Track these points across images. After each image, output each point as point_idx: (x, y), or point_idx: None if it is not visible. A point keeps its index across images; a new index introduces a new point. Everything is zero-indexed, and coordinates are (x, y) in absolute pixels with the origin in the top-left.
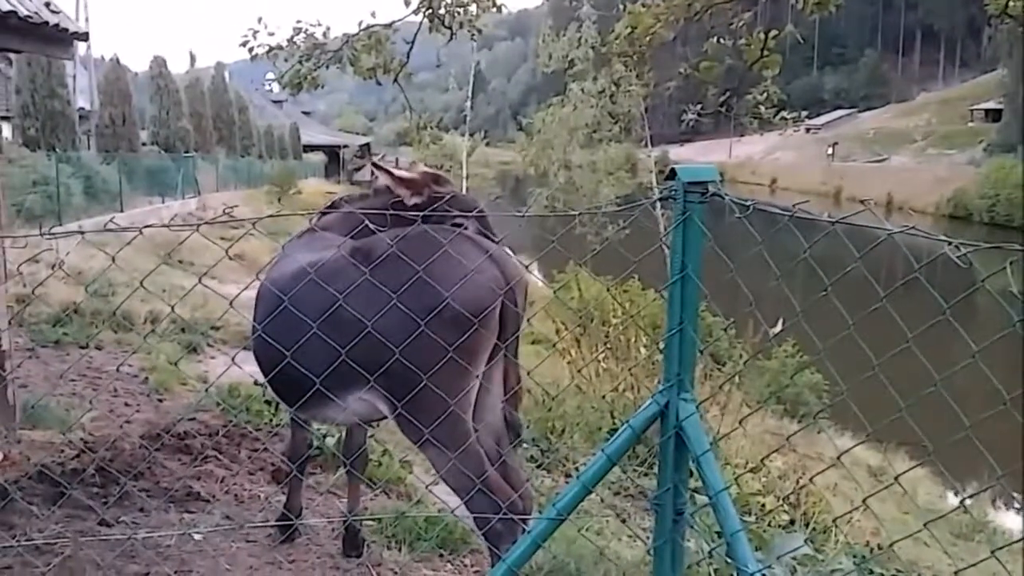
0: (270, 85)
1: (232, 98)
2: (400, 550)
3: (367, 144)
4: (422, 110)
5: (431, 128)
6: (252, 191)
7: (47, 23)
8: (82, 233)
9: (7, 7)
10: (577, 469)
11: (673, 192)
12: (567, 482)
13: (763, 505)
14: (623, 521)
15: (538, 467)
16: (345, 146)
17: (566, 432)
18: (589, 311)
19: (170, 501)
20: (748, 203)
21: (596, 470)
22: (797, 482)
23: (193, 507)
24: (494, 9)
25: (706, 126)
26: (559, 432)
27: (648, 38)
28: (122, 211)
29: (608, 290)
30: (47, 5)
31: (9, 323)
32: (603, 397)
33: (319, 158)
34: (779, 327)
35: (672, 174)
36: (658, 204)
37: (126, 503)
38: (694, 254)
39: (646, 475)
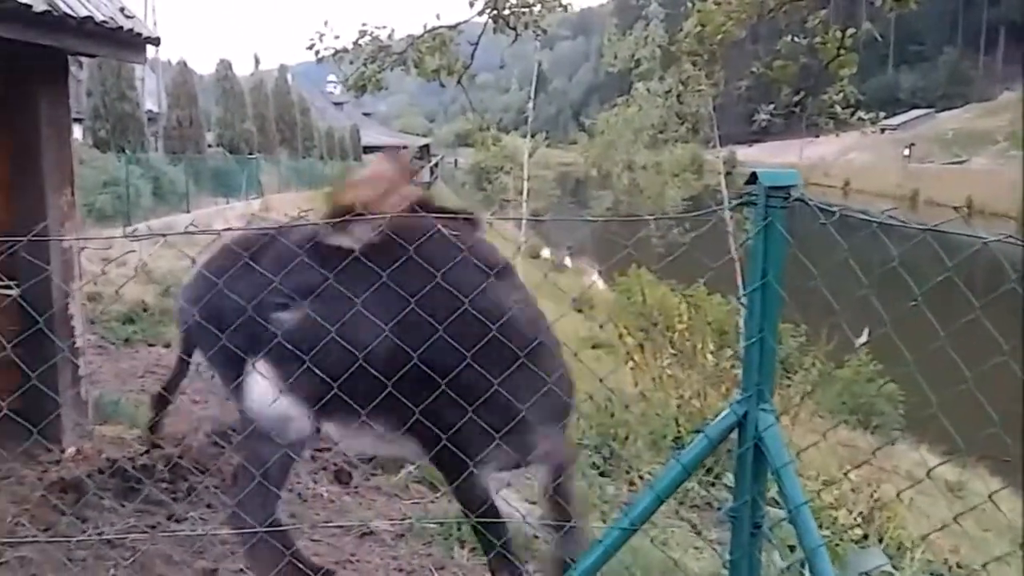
0: (332, 87)
1: (295, 100)
2: (464, 554)
3: (426, 145)
4: (483, 111)
5: (492, 129)
6: (313, 192)
7: (121, 28)
8: (164, 236)
9: (84, 12)
10: (641, 477)
11: (753, 197)
12: (630, 490)
13: (835, 519)
14: (698, 533)
15: (600, 474)
16: (404, 147)
17: (629, 439)
18: (653, 315)
19: None
20: (834, 209)
21: (670, 480)
22: (871, 496)
23: None
24: (560, 9)
25: (776, 126)
26: (622, 439)
27: (719, 36)
28: (188, 211)
29: (683, 295)
30: (121, 10)
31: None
32: (673, 405)
33: None
34: (865, 337)
35: (753, 178)
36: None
37: (194, 499)
38: (775, 261)
39: (712, 485)
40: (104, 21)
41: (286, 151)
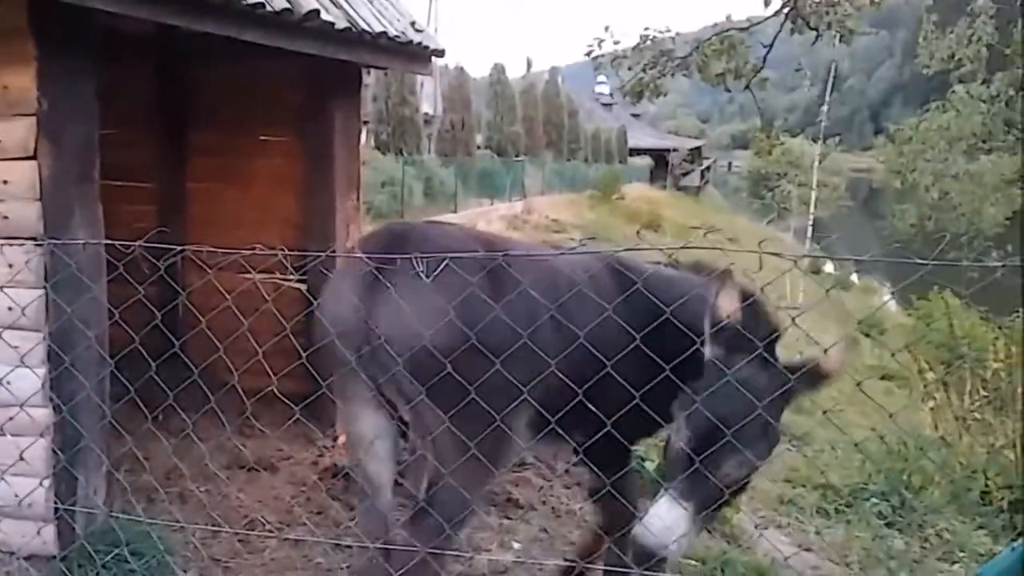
0: (602, 87)
1: (564, 102)
2: None
3: (698, 148)
4: (765, 111)
5: (776, 132)
6: (575, 195)
7: (411, 42)
8: (499, 256)
9: (380, 28)
10: (939, 535)
11: None
12: (922, 548)
13: None
14: None
15: (886, 525)
16: (674, 150)
17: (925, 489)
18: (960, 348)
19: (491, 504)
20: None
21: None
22: None
23: (512, 513)
24: (871, 5)
25: None
26: (916, 488)
27: None
28: (455, 212)
29: (1001, 327)
30: (412, 24)
31: None
32: (980, 454)
33: (645, 162)
34: None
35: None
36: None
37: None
38: None
39: None
40: (397, 36)
41: (551, 153)
